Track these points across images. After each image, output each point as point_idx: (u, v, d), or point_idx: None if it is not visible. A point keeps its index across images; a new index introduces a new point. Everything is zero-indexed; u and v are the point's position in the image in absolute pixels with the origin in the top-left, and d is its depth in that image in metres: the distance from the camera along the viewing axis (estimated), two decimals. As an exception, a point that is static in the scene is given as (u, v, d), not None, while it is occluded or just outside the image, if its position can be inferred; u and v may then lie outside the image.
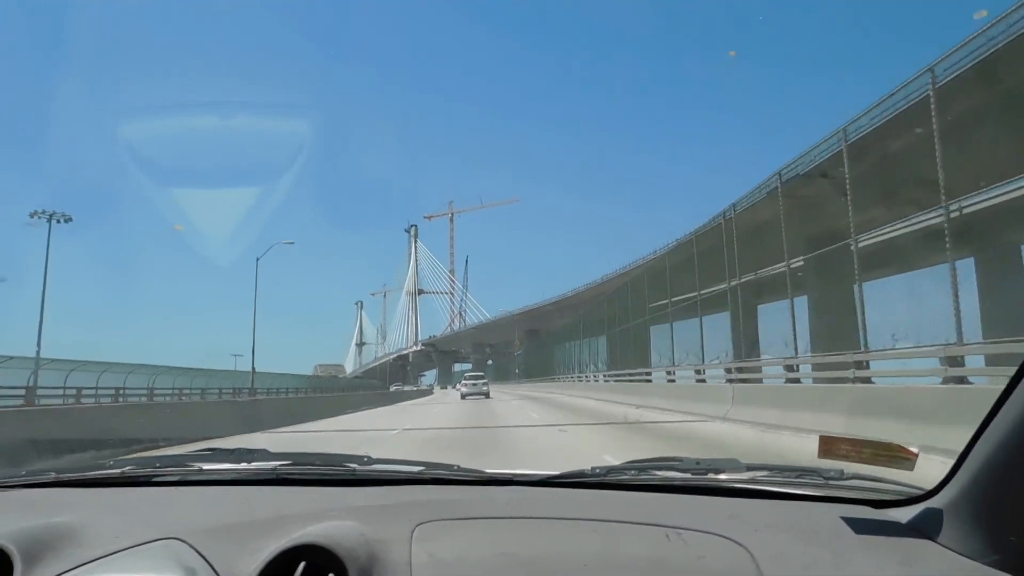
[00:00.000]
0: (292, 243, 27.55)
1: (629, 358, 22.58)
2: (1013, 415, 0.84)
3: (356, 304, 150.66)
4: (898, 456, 1.02)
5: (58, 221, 28.68)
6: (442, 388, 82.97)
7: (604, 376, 25.98)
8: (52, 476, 1.37)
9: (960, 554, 0.88)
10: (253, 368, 28.61)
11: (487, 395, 27.68)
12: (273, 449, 1.45)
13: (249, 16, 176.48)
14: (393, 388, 55.49)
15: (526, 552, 0.96)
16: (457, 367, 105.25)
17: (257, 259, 28.75)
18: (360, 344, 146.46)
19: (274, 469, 1.33)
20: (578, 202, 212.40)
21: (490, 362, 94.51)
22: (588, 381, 28.04)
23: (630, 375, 21.27)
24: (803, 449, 6.31)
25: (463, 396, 28.14)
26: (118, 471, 1.36)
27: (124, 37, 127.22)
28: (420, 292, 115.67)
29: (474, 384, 28.80)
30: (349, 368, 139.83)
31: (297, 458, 1.39)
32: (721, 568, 0.90)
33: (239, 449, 1.46)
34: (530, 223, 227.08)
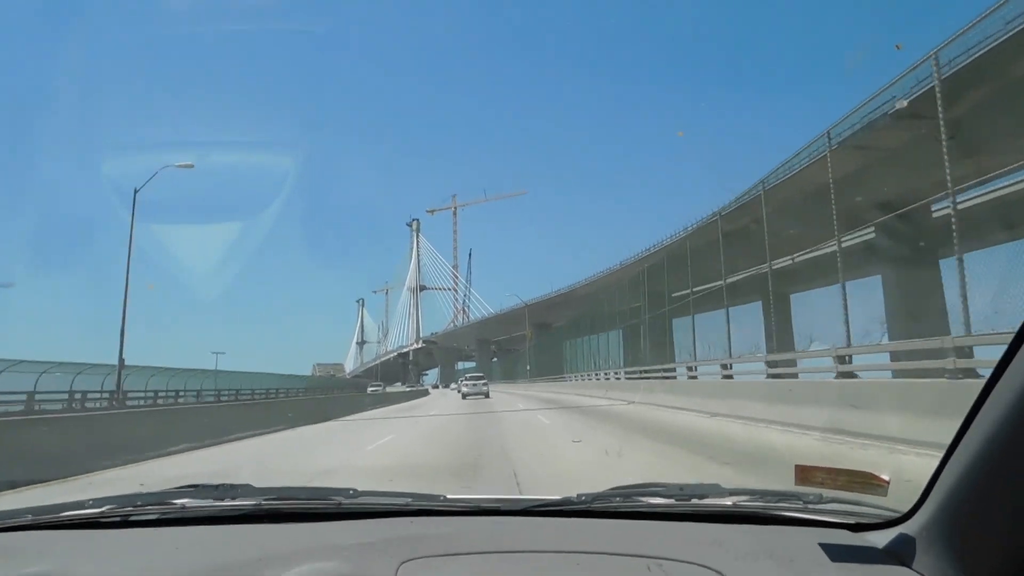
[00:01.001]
0: (191, 166, 23.81)
1: (656, 353, 20.91)
2: (982, 435, 0.85)
3: (357, 302, 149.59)
4: (870, 483, 1.08)
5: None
6: (441, 387, 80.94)
7: (625, 373, 24.34)
8: (28, 518, 1.36)
9: None
10: (121, 361, 22.45)
11: (487, 395, 29.83)
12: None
13: (228, 52, 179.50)
14: (371, 390, 47.88)
15: None
16: (461, 365, 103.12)
17: (135, 190, 22.57)
18: (361, 343, 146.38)
19: (257, 504, 1.34)
20: (587, 196, 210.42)
21: (495, 360, 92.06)
22: (608, 379, 26.36)
23: (663, 371, 19.19)
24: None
25: (464, 396, 30.47)
26: (97, 511, 1.36)
27: (107, 76, 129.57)
28: (422, 288, 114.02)
29: (474, 384, 30.99)
30: (349, 367, 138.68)
31: (281, 492, 1.42)
32: None
33: (222, 485, 1.48)
34: (537, 217, 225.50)
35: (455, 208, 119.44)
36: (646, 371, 20.67)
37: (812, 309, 12.54)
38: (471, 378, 33.04)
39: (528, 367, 49.62)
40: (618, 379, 24.56)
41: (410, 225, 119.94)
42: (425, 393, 51.40)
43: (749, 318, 15.31)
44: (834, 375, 9.48)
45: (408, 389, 58.68)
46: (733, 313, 15.72)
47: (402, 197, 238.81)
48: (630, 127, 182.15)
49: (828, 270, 10.79)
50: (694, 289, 16.52)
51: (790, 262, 12.39)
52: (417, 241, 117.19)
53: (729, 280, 15.66)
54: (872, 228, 10.14)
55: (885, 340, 9.75)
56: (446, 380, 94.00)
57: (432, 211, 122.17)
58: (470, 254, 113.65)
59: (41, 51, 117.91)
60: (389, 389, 53.64)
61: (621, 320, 25.71)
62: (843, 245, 10.22)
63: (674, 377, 17.99)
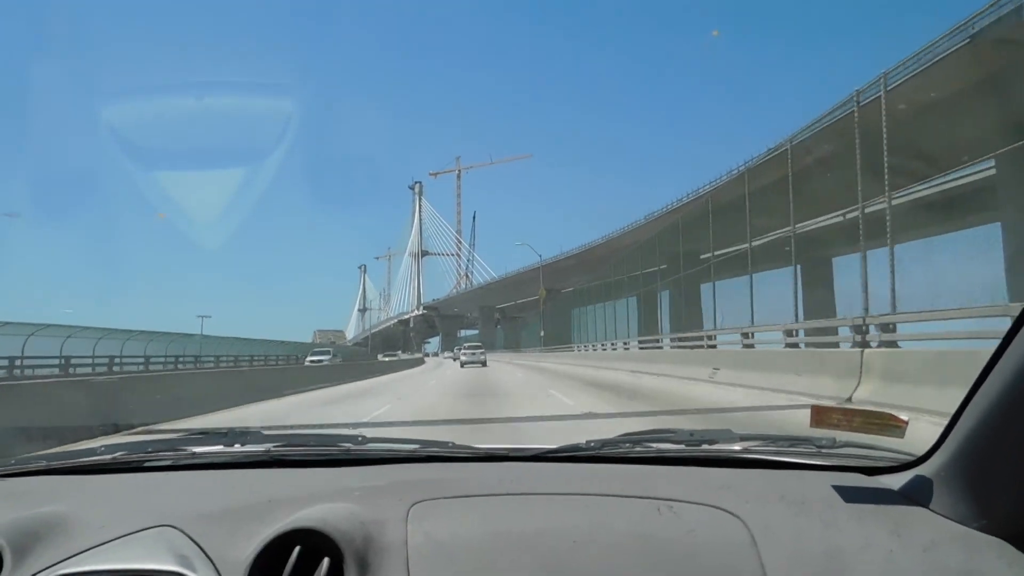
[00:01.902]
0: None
1: (691, 320, 18.91)
2: (1001, 380, 0.87)
3: (359, 268, 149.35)
4: (889, 424, 1.07)
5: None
6: (441, 356, 79.51)
7: (638, 344, 23.37)
8: (42, 464, 1.42)
9: (950, 519, 0.93)
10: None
11: (484, 363, 31.92)
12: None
13: None
14: (384, 358, 45.96)
15: (519, 529, 1.02)
16: (463, 333, 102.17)
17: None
18: (363, 310, 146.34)
19: (267, 451, 1.38)
20: (598, 163, 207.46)
21: (498, 328, 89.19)
22: (628, 348, 24.82)
23: (697, 340, 17.53)
24: None
25: (463, 364, 32.64)
26: (109, 457, 1.41)
27: (103, 18, 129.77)
28: (424, 254, 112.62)
29: (472, 353, 33.23)
30: (351, 334, 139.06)
31: (290, 439, 1.47)
32: (712, 539, 0.96)
33: (232, 431, 1.55)
34: (544, 185, 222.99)
35: (459, 171, 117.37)
36: (683, 339, 18.84)
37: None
38: (469, 347, 35.39)
39: (542, 333, 45.69)
40: (640, 349, 23.00)
41: (412, 188, 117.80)
42: (420, 362, 49.61)
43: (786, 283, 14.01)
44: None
45: (407, 357, 56.14)
46: (776, 278, 14.37)
47: (406, 160, 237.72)
48: (648, 83, 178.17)
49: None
50: (752, 243, 14.31)
51: (840, 218, 11.14)
52: (419, 204, 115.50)
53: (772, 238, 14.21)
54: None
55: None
56: (449, 348, 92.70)
57: (435, 173, 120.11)
58: (474, 216, 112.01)
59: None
60: (383, 358, 50.83)
61: (646, 283, 23.78)
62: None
63: (713, 346, 16.36)
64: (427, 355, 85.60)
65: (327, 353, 40.63)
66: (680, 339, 19.14)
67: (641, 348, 22.99)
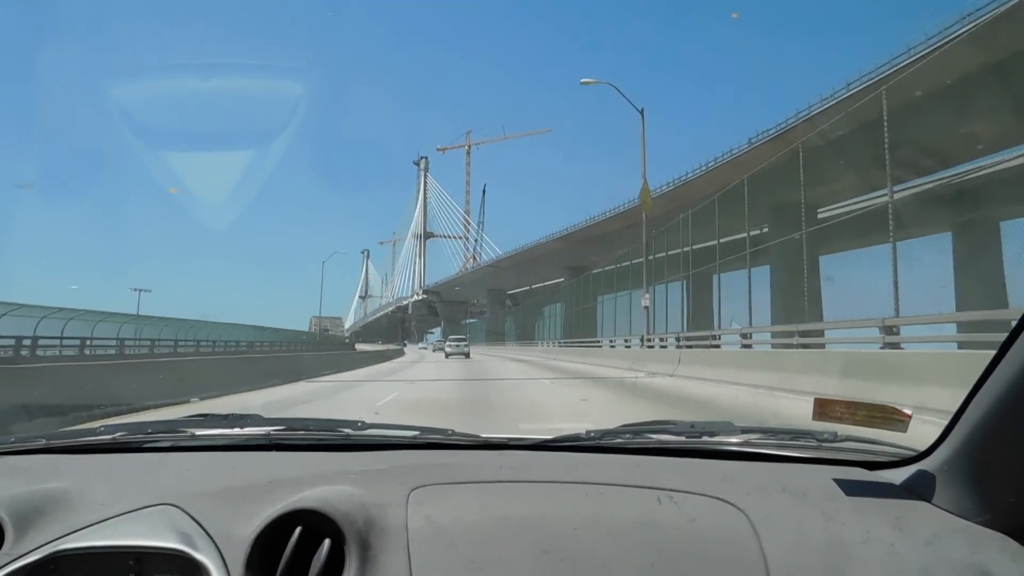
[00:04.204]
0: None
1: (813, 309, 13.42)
2: (1006, 377, 0.91)
3: (362, 253, 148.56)
4: (891, 418, 1.12)
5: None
6: (423, 346, 74.75)
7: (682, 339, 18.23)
8: (42, 442, 1.48)
9: (953, 514, 0.97)
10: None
11: (467, 355, 35.33)
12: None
13: None
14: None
15: (519, 514, 1.07)
16: (470, 323, 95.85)
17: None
18: (364, 296, 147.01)
19: (267, 434, 1.45)
20: (614, 132, 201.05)
21: (508, 319, 74.75)
22: (680, 345, 18.89)
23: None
24: None
25: (447, 355, 35.99)
26: (109, 437, 1.47)
27: None
28: (429, 236, 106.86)
29: (456, 345, 37.17)
30: (349, 321, 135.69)
31: (291, 423, 1.53)
32: (712, 529, 1.01)
33: (232, 415, 1.60)
34: (562, 157, 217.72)
35: (468, 146, 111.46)
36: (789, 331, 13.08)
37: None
38: (454, 340, 40.18)
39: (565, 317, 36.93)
40: (689, 347, 17.83)
41: (417, 164, 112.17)
42: (400, 354, 45.94)
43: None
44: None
45: (382, 348, 50.78)
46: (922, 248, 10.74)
47: (414, 143, 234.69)
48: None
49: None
50: (893, 193, 9.62)
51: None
52: (424, 181, 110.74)
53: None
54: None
55: None
56: (449, 337, 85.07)
57: (443, 149, 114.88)
58: (483, 191, 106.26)
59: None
60: (366, 347, 47.82)
61: (731, 251, 16.63)
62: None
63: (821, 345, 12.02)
64: (417, 347, 79.36)
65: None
66: (791, 333, 13.14)
67: (748, 345, 15.39)
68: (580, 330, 33.82)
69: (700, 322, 18.77)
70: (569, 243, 54.64)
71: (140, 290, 57.28)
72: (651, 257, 21.66)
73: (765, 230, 15.81)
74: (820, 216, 12.68)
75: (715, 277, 17.39)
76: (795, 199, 12.95)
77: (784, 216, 13.97)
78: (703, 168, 34.87)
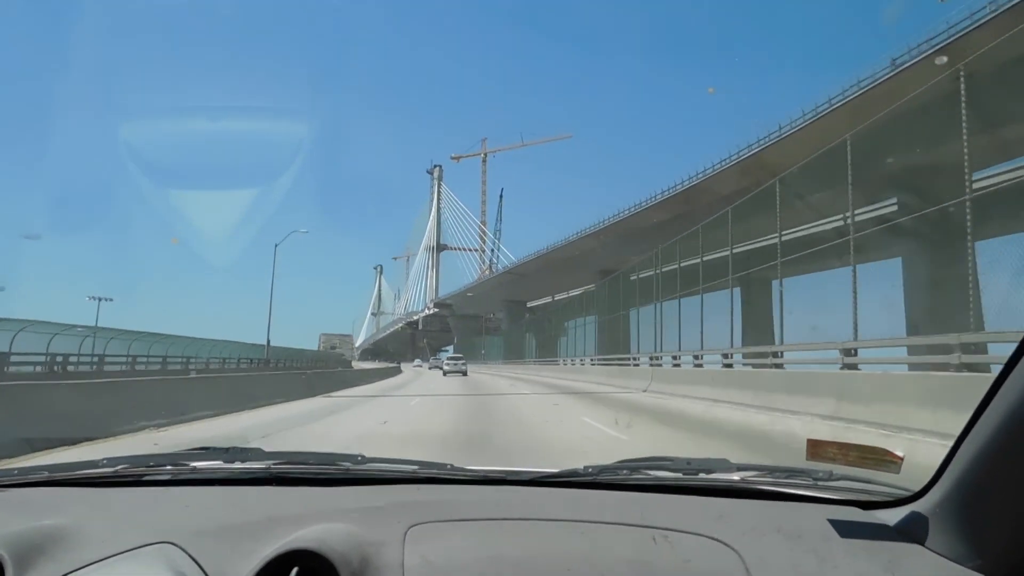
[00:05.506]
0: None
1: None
2: (997, 416, 0.92)
3: (375, 268, 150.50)
4: (884, 460, 1.14)
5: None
6: (422, 364, 72.09)
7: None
8: (45, 475, 1.52)
9: (945, 557, 0.99)
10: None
11: (464, 373, 37.23)
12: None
13: (246, 19, 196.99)
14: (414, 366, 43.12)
15: (515, 554, 1.11)
16: (486, 339, 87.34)
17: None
18: (376, 313, 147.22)
19: (267, 468, 1.49)
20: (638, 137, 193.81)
21: (528, 334, 56.52)
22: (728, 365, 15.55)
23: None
24: None
25: (445, 373, 37.64)
26: (111, 470, 1.52)
27: (124, 41, 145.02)
28: (442, 248, 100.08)
29: (454, 364, 38.98)
30: (360, 338, 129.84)
31: (291, 457, 1.57)
32: (707, 570, 1.04)
33: (232, 448, 1.65)
34: (582, 165, 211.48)
35: (484, 154, 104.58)
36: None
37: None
38: (451, 359, 41.04)
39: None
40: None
41: (431, 172, 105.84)
42: (396, 371, 44.16)
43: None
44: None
45: (379, 367, 48.26)
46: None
47: (424, 158, 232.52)
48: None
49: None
50: None
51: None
52: (438, 190, 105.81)
53: None
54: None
55: None
56: (469, 355, 77.08)
57: (457, 157, 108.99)
58: (501, 194, 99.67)
59: (58, 16, 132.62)
60: (365, 365, 46.23)
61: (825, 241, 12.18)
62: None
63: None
64: (412, 365, 72.36)
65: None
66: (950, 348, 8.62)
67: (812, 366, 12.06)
68: (621, 346, 26.11)
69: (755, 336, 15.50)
70: (604, 239, 47.07)
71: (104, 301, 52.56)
72: (704, 258, 17.78)
73: (893, 207, 11.36)
74: (977, 185, 8.11)
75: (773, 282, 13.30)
76: (933, 160, 9.39)
77: (918, 185, 10.18)
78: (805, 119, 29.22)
